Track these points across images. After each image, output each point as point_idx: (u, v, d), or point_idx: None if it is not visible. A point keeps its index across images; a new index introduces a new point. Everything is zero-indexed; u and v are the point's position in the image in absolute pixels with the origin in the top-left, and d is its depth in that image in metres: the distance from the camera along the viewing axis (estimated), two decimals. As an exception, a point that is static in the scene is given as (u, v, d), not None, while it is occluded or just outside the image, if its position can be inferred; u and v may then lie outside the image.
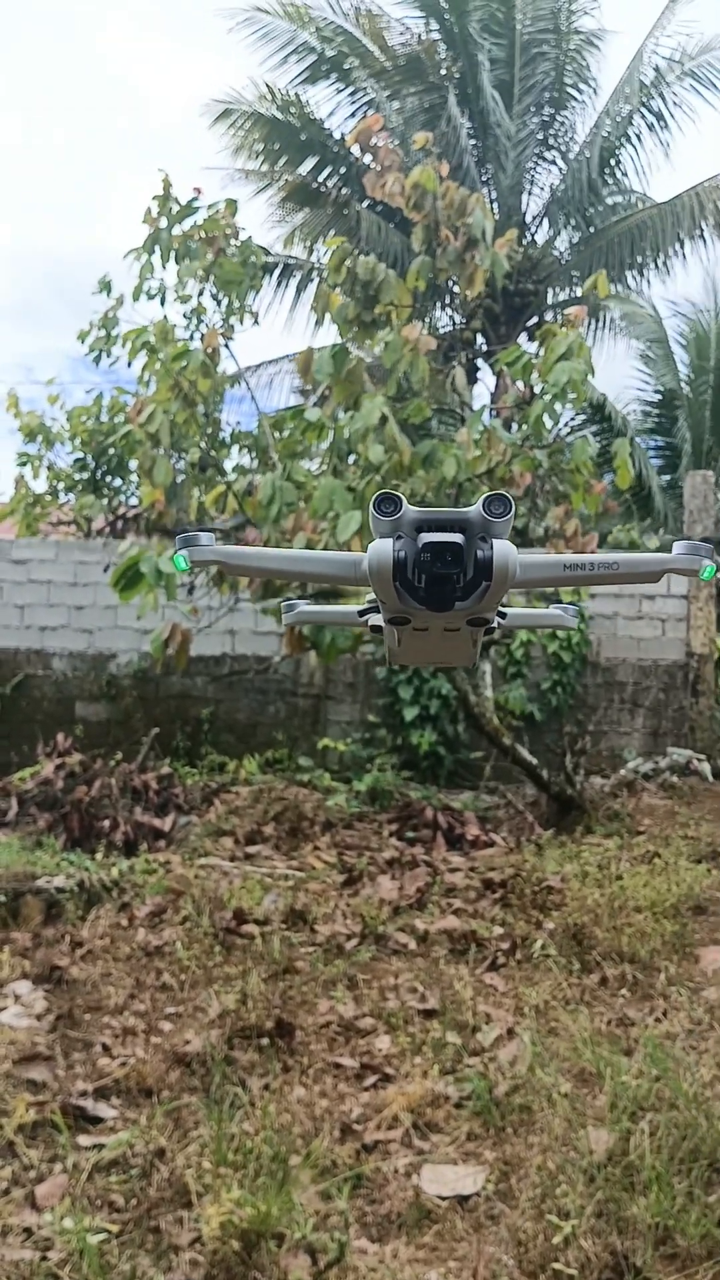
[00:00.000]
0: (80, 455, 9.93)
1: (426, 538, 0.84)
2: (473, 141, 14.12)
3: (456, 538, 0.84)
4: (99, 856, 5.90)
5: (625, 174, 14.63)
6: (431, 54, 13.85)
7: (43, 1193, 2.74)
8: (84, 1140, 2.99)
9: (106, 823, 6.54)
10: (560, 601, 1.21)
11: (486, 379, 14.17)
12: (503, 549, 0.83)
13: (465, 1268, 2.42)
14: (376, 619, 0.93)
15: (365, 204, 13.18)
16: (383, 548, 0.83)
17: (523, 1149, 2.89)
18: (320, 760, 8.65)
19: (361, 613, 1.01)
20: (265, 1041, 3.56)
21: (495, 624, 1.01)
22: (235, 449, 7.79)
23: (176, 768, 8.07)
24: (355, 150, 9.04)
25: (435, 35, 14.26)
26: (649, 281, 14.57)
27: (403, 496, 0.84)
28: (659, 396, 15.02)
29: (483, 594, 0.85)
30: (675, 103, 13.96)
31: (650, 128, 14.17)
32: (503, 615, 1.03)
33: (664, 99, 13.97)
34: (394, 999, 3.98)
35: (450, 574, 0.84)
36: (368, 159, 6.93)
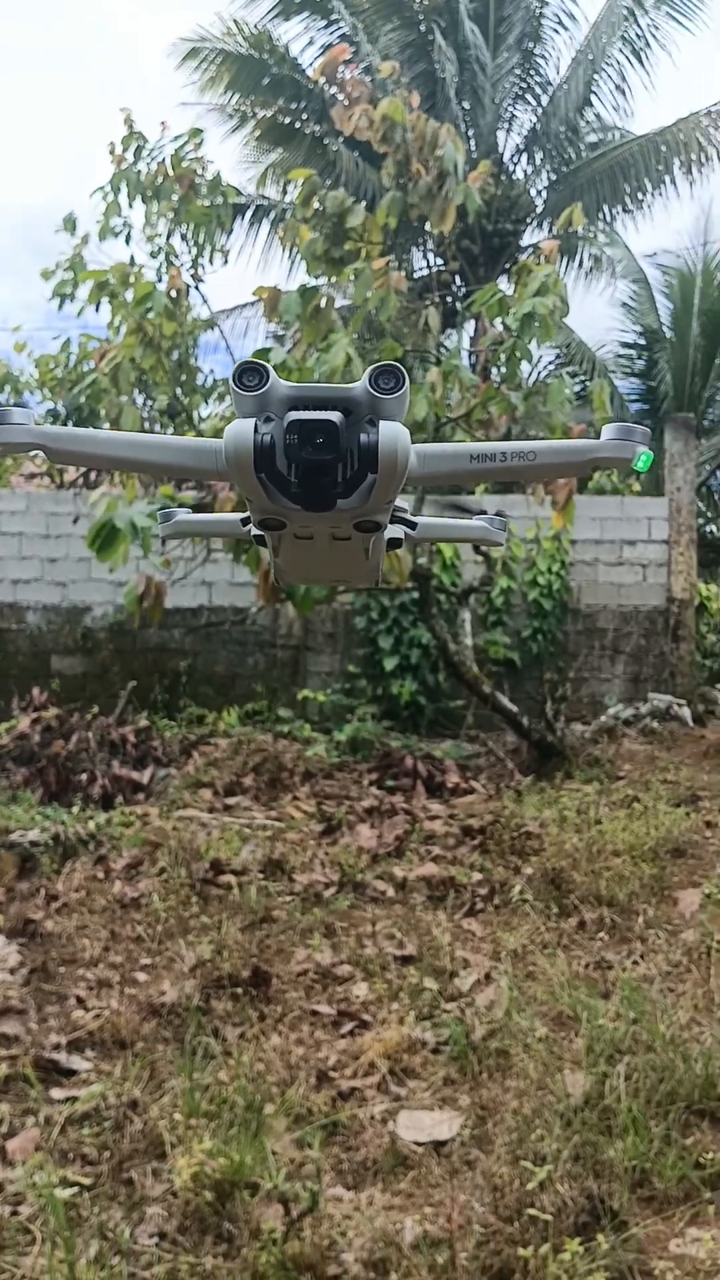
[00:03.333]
0: (50, 404, 9.72)
1: (294, 416, 0.68)
2: (446, 77, 13.74)
3: (331, 416, 0.68)
4: (76, 810, 5.84)
5: (605, 109, 14.30)
6: None
7: (14, 1147, 2.70)
8: (56, 1093, 2.96)
9: (84, 776, 6.48)
10: (490, 514, 1.00)
11: (467, 324, 13.96)
12: (392, 432, 0.67)
13: (440, 1214, 2.40)
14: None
15: (342, 141, 12.84)
16: (242, 429, 0.67)
17: (499, 1094, 2.88)
18: (300, 711, 8.60)
19: (245, 521, 0.85)
20: (241, 991, 3.53)
21: (403, 534, 0.88)
22: (210, 399, 7.63)
23: (154, 720, 7.99)
24: (324, 83, 8.76)
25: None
26: (633, 221, 14.30)
27: (269, 367, 0.69)
28: (639, 340, 14.81)
29: (369, 489, 0.69)
30: (654, 35, 13.60)
31: (629, 61, 13.83)
32: (411, 525, 0.89)
33: (642, 31, 13.61)
34: (371, 946, 3.95)
35: (326, 462, 0.68)
36: (335, 92, 6.71)
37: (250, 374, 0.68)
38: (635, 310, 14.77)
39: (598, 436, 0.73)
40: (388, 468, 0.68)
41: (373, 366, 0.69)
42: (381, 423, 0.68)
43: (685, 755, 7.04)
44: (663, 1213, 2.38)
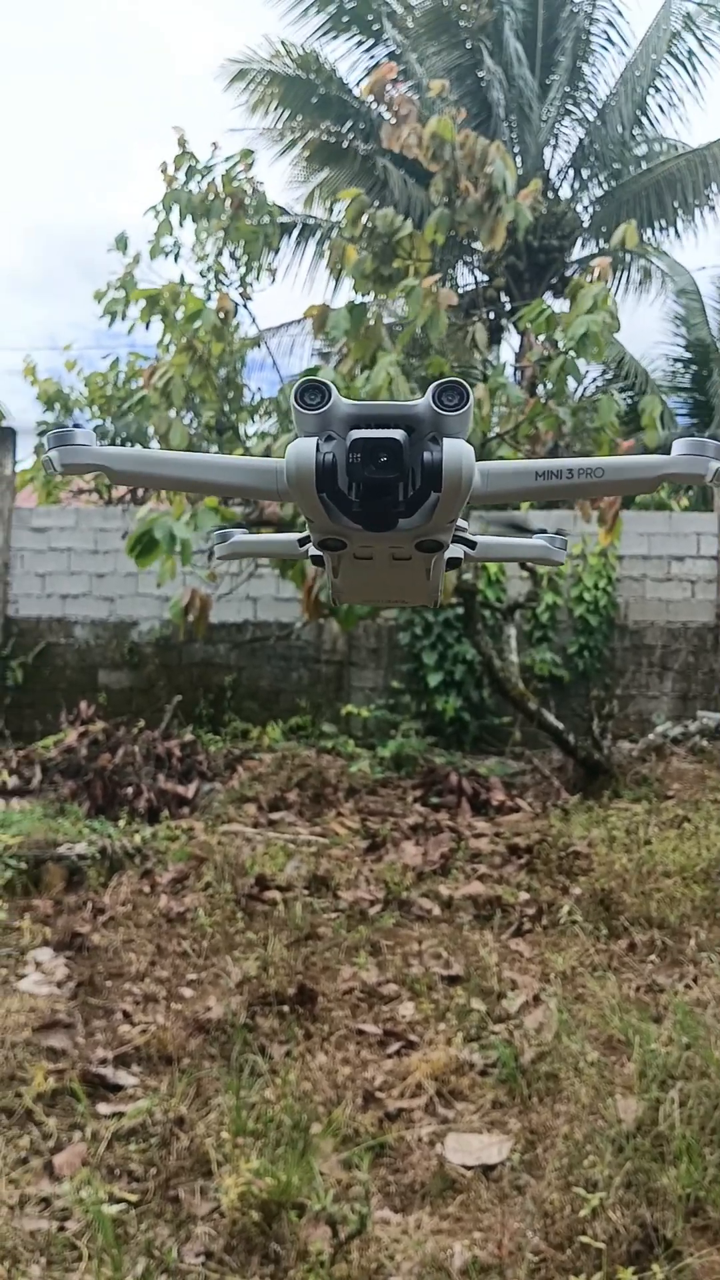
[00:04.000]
0: (99, 421, 9.83)
1: (356, 434, 0.66)
2: (495, 95, 13.78)
3: (395, 434, 0.66)
4: (122, 824, 5.87)
5: (654, 123, 14.25)
6: (460, 5, 13.46)
7: (61, 1162, 2.71)
8: (103, 1108, 2.96)
9: (129, 790, 6.51)
10: (550, 533, 0.97)
11: (511, 339, 13.95)
12: (455, 450, 0.66)
13: (490, 1239, 2.36)
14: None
15: (389, 159, 12.91)
16: (303, 448, 0.66)
17: (549, 1118, 2.83)
18: (344, 727, 8.59)
19: (302, 541, 0.84)
20: (287, 1008, 3.52)
21: (462, 554, 0.86)
22: (257, 415, 7.67)
23: (199, 735, 8.03)
24: (371, 101, 8.81)
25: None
26: (679, 235, 14.21)
27: (331, 385, 0.68)
28: (689, 353, 14.68)
29: (432, 508, 0.68)
30: (705, 48, 13.52)
31: (679, 74, 13.77)
32: (471, 545, 0.88)
33: (694, 43, 13.54)
34: (417, 965, 3.92)
35: (388, 481, 0.67)
36: (384, 111, 6.75)
37: (312, 392, 0.67)
38: (687, 324, 14.65)
39: (644, 453, 0.71)
40: (451, 486, 0.67)
41: (436, 383, 0.68)
42: (445, 440, 0.67)
43: (735, 774, 6.92)
44: (717, 1242, 2.33)
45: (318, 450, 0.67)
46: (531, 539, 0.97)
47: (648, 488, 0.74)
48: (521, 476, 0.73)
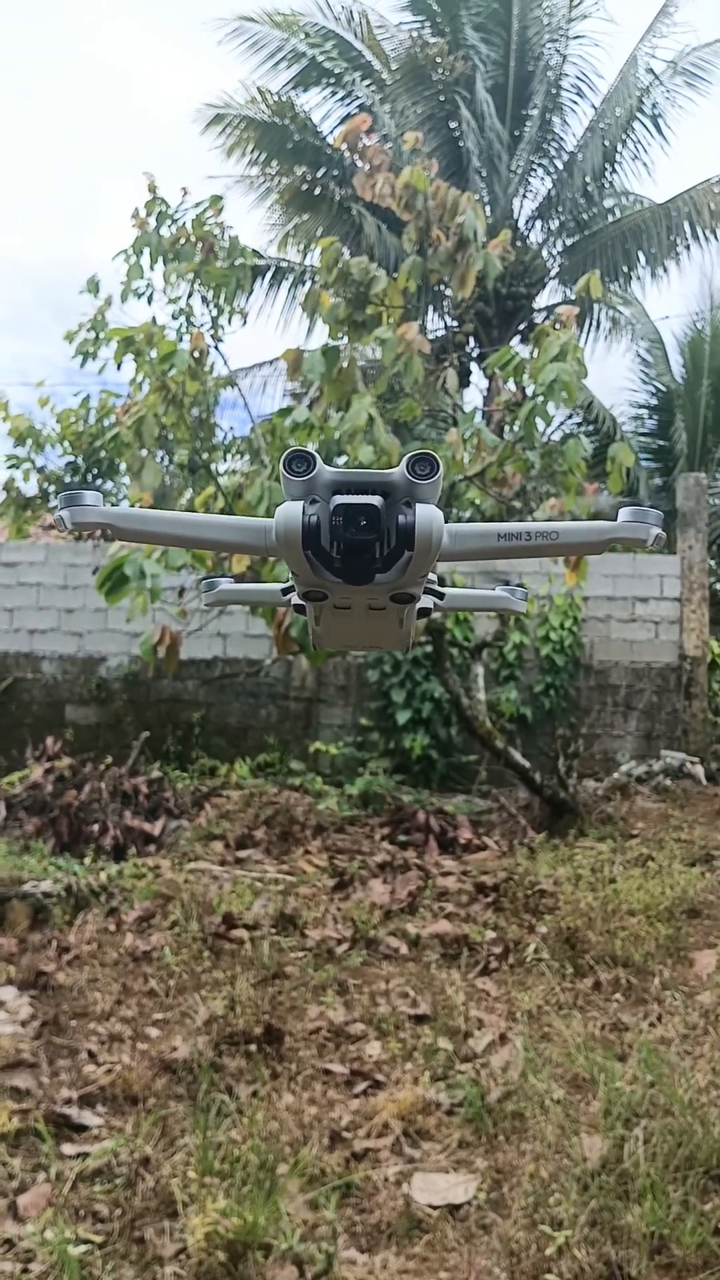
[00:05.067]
0: (71, 458, 9.86)
1: (339, 500, 0.74)
2: (467, 146, 14.10)
3: (373, 500, 0.74)
4: (88, 861, 5.84)
5: (620, 176, 14.63)
6: (434, 58, 13.81)
7: (25, 1202, 2.68)
8: (68, 1149, 2.94)
9: (96, 827, 6.48)
10: (511, 585, 1.08)
11: (478, 383, 14.17)
12: (427, 514, 0.74)
13: (456, 1278, 2.37)
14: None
15: (363, 205, 13.15)
16: (291, 511, 0.74)
17: (515, 1157, 2.84)
18: (312, 764, 8.59)
19: (285, 590, 0.91)
20: (254, 1048, 3.51)
21: (432, 604, 0.94)
22: (229, 454, 7.73)
23: (167, 771, 8.00)
24: (346, 151, 8.99)
25: (431, 38, 14.24)
26: (643, 285, 14.56)
27: (317, 455, 0.76)
28: (655, 400, 14.98)
29: (405, 565, 0.76)
30: (670, 102, 13.94)
31: (645, 128, 14.16)
32: (440, 595, 0.96)
33: (658, 99, 13.95)
34: (385, 1004, 3.92)
35: (367, 541, 0.74)
36: (357, 160, 6.90)
37: (299, 461, 0.75)
38: (651, 370, 14.97)
39: (615, 508, 0.80)
40: (423, 546, 0.74)
41: (410, 455, 0.75)
42: (418, 505, 0.74)
43: (699, 814, 7.00)
44: (682, 1282, 2.35)
45: (304, 513, 0.74)
46: (494, 590, 1.05)
47: (596, 550, 0.81)
48: (485, 538, 0.81)
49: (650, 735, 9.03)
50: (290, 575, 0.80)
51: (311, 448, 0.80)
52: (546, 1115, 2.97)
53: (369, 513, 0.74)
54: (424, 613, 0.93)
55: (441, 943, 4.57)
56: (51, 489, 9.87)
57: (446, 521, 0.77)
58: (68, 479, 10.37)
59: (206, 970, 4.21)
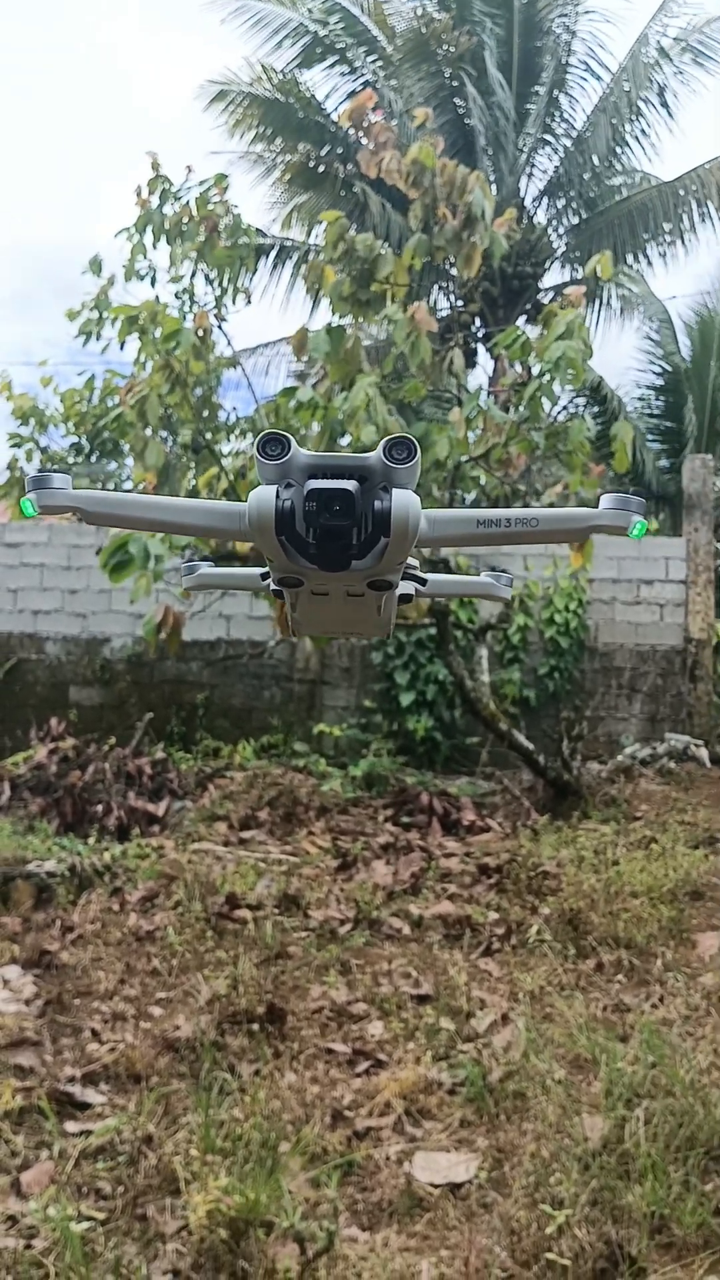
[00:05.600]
0: (74, 438, 9.82)
1: (313, 484, 0.73)
2: (473, 123, 13.97)
3: (347, 484, 0.72)
4: (91, 841, 5.85)
5: (629, 153, 14.49)
6: (440, 34, 13.65)
7: (28, 1180, 2.69)
8: (71, 1126, 2.95)
9: (99, 807, 6.49)
10: (496, 571, 1.05)
11: (484, 364, 14.10)
12: (404, 500, 0.72)
13: (457, 1257, 2.38)
14: None
15: (367, 183, 13.05)
16: (264, 495, 0.72)
17: (516, 1136, 2.85)
18: (316, 745, 8.60)
19: (264, 575, 0.89)
20: (256, 1027, 3.52)
21: (413, 590, 0.93)
22: (232, 435, 7.69)
23: (171, 752, 8.01)
24: (352, 129, 8.91)
25: (436, 14, 14.08)
26: (649, 263, 14.44)
27: (292, 438, 0.74)
28: (661, 381, 14.87)
29: (382, 551, 0.74)
30: (681, 79, 13.77)
31: (654, 107, 14.01)
32: (422, 581, 0.94)
33: (668, 77, 13.80)
34: (387, 984, 3.93)
35: (342, 527, 0.73)
36: (362, 137, 6.83)
37: (273, 444, 0.73)
38: (660, 351, 14.84)
39: (619, 478, 0.77)
40: (399, 532, 0.72)
41: (387, 439, 0.73)
42: (394, 490, 0.72)
43: (703, 796, 7.00)
44: (681, 1260, 2.35)
45: (278, 497, 0.72)
46: (479, 577, 1.04)
47: (578, 538, 0.80)
48: (464, 524, 0.79)
49: (654, 718, 9.02)
50: (266, 561, 0.78)
51: (315, 428, 0.79)
52: (548, 1095, 2.98)
53: (344, 498, 0.72)
54: (405, 599, 0.92)
55: (444, 923, 4.58)
56: (54, 469, 9.82)
57: (451, 504, 0.76)
58: (71, 459, 10.34)
59: (209, 950, 4.22)
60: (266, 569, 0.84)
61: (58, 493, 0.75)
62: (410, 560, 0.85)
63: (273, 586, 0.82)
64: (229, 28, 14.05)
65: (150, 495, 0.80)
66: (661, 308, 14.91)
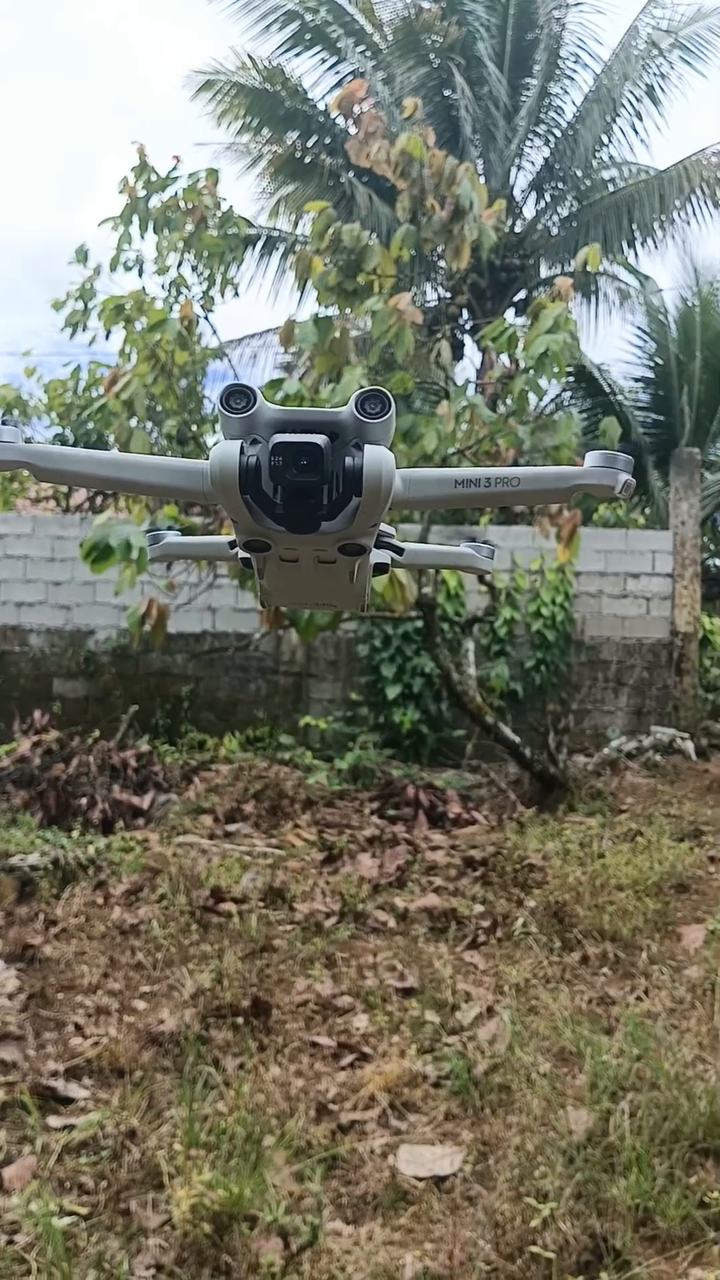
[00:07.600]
0: (58, 429, 9.76)
1: (279, 438, 0.68)
2: (461, 115, 13.92)
3: (316, 439, 0.68)
4: (75, 834, 5.82)
5: (617, 146, 14.46)
6: (429, 24, 13.57)
7: (10, 1175, 2.68)
8: (54, 1121, 2.93)
9: (84, 800, 6.46)
10: (480, 543, 1.00)
11: (472, 356, 14.06)
12: (377, 456, 0.67)
13: (441, 1251, 2.37)
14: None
15: (354, 174, 12.99)
16: (228, 451, 0.67)
17: (501, 1129, 2.85)
18: (302, 738, 8.58)
19: (232, 544, 0.84)
20: (241, 1020, 3.51)
21: (389, 560, 0.88)
22: (218, 426, 7.66)
23: (156, 745, 7.98)
24: (339, 118, 8.87)
25: (425, 4, 14.01)
26: (648, 255, 14.42)
27: (257, 390, 0.69)
28: (652, 374, 14.84)
29: (354, 512, 0.69)
30: (670, 73, 13.75)
31: (643, 100, 13.98)
32: (399, 551, 0.90)
33: (657, 70, 13.77)
34: (372, 977, 3.92)
35: (310, 484, 0.68)
36: (351, 127, 6.80)
37: (238, 396, 0.69)
38: (650, 343, 14.81)
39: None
40: (372, 491, 0.68)
41: (359, 392, 0.69)
42: (367, 447, 0.68)
43: (688, 789, 7.02)
44: (666, 1253, 2.35)
45: (242, 453, 0.68)
46: (459, 547, 0.98)
47: (562, 498, 0.75)
48: (442, 484, 0.74)
49: (641, 711, 9.04)
50: (230, 524, 0.74)
51: None
52: (533, 1088, 2.98)
53: (311, 452, 0.68)
54: (381, 569, 0.88)
55: (430, 916, 4.57)
56: (2, 421, 9.74)
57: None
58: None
59: (194, 943, 4.20)
60: (234, 537, 0.80)
61: (5, 446, 0.71)
62: (387, 528, 0.81)
63: (239, 553, 0.78)
64: (216, 9, 13.93)
65: (106, 451, 0.75)
66: (653, 300, 14.89)
